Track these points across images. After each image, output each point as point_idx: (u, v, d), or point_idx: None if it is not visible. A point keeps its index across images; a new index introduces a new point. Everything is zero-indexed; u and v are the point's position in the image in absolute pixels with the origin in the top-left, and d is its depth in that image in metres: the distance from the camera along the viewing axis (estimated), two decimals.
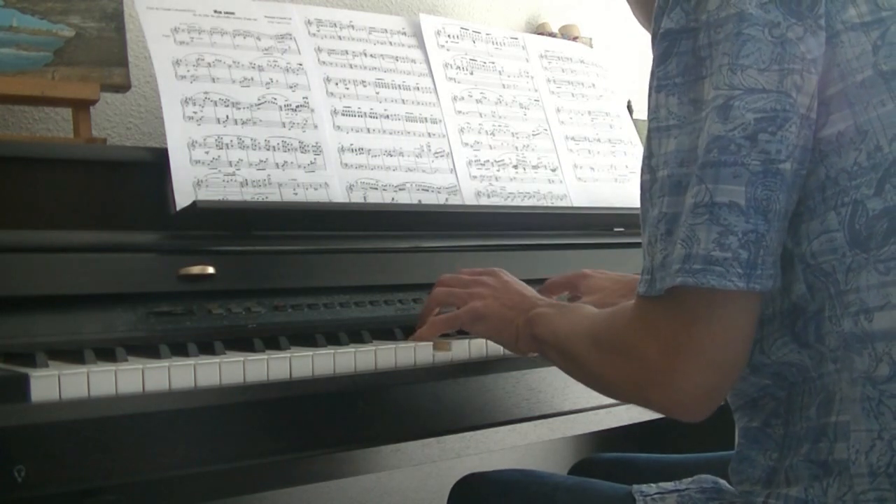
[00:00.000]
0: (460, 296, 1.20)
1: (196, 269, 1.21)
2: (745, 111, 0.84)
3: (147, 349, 1.08)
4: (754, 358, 0.95)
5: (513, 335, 1.13)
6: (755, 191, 0.84)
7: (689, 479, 1.07)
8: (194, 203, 1.24)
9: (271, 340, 1.15)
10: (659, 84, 0.91)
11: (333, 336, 1.20)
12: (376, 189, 1.47)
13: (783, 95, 0.85)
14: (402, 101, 1.57)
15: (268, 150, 1.39)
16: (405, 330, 1.28)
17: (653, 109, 0.92)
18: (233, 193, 1.33)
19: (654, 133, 0.91)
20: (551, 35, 2.13)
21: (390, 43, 1.62)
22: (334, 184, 1.43)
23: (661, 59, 0.91)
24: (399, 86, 1.58)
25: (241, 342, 1.15)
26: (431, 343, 1.20)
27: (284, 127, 1.42)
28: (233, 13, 1.46)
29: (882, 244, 0.86)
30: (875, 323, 0.86)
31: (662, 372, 0.88)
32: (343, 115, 1.49)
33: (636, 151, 1.85)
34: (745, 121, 0.84)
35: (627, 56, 2.40)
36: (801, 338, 0.91)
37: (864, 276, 0.86)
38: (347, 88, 1.52)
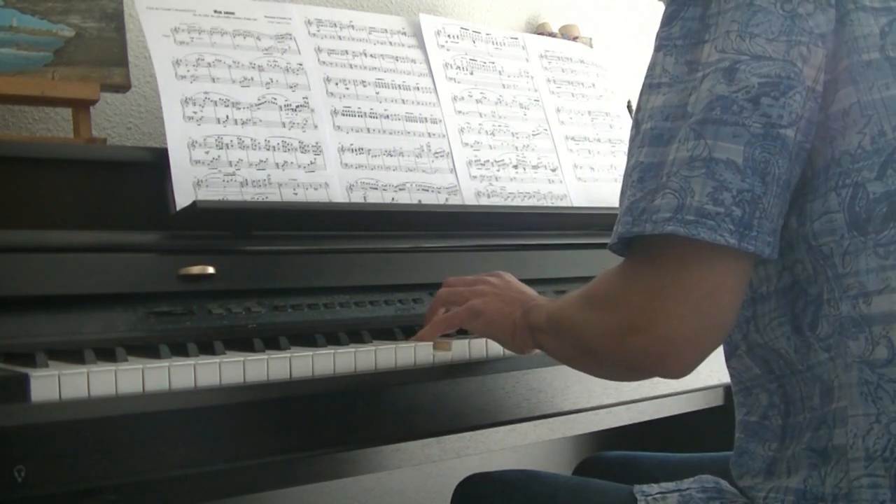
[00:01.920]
0: (463, 294, 1.20)
1: (196, 269, 1.21)
2: (751, 75, 0.85)
3: (147, 349, 1.08)
4: (750, 336, 0.96)
5: (509, 329, 1.12)
6: (753, 151, 0.85)
7: (691, 479, 1.07)
8: (194, 203, 1.24)
9: (271, 340, 1.15)
10: (660, 44, 0.92)
11: (333, 336, 1.20)
12: (376, 189, 1.47)
13: (789, 64, 0.86)
14: (402, 101, 1.57)
15: (268, 150, 1.39)
16: (405, 330, 1.28)
17: (650, 67, 0.93)
18: (233, 193, 1.33)
19: (646, 90, 0.93)
20: (551, 35, 2.13)
21: (390, 43, 1.61)
22: (334, 184, 1.43)
23: (666, 22, 0.93)
24: (399, 86, 1.58)
25: (241, 342, 1.15)
26: (431, 343, 1.19)
27: (284, 127, 1.42)
28: (233, 13, 1.46)
29: (881, 228, 0.87)
30: (874, 306, 0.86)
31: (645, 313, 0.87)
32: (343, 115, 1.49)
33: None
34: (749, 84, 0.85)
35: (627, 56, 2.39)
36: (798, 320, 0.91)
37: (862, 259, 0.87)
38: (347, 88, 1.52)
